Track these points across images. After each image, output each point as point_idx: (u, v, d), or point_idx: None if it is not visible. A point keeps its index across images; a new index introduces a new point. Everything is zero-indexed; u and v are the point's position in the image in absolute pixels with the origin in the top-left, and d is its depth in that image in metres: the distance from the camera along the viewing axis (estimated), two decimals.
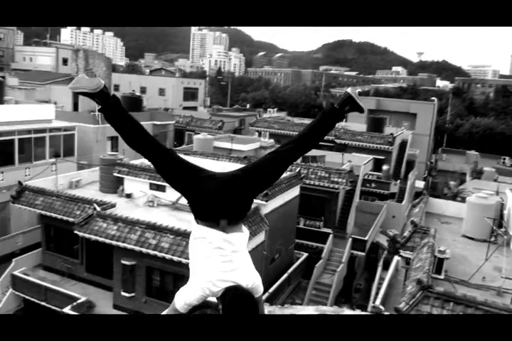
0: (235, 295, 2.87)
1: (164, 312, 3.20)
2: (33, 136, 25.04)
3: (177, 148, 31.42)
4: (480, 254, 17.44)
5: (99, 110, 3.06)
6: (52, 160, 24.00)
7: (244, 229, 3.19)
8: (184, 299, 2.99)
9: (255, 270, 3.15)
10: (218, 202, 3.03)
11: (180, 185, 3.17)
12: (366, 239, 24.52)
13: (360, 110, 3.22)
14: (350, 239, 24.15)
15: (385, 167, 33.98)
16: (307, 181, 24.16)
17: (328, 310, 4.06)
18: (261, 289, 3.13)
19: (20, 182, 20.33)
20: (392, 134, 35.00)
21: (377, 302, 18.28)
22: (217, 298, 3.06)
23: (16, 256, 21.08)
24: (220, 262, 2.97)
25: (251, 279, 3.02)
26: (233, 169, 3.36)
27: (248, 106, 67.61)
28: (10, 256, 21.39)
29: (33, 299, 19.22)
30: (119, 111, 3.12)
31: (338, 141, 35.31)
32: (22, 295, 19.61)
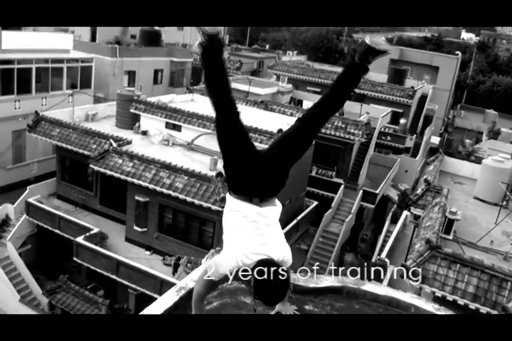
0: (266, 267, 2.94)
1: (196, 278, 3.29)
2: (50, 65, 24.66)
3: (194, 87, 31.00)
4: (490, 217, 17.51)
5: (200, 44, 2.91)
6: (69, 91, 23.80)
7: (277, 202, 3.23)
8: (217, 269, 3.12)
9: (286, 243, 3.22)
10: (255, 180, 3.07)
11: (228, 149, 3.12)
12: (377, 192, 24.63)
13: (385, 52, 3.05)
14: (361, 191, 24.25)
15: (402, 120, 33.55)
16: (323, 130, 23.97)
17: (350, 281, 4.10)
18: (290, 262, 3.23)
19: (36, 112, 20.28)
20: (412, 87, 34.26)
21: (383, 254, 18.65)
22: (249, 269, 3.13)
23: (31, 183, 21.42)
24: (253, 235, 3.05)
25: (282, 253, 3.14)
26: (268, 145, 3.31)
27: (267, 46, 65.96)
28: (24, 183, 21.75)
29: (46, 226, 19.70)
30: (220, 53, 2.99)
31: (357, 90, 34.67)
32: (36, 221, 20.10)
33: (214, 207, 16.23)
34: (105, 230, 19.16)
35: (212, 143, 20.05)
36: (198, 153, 19.96)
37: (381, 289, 3.95)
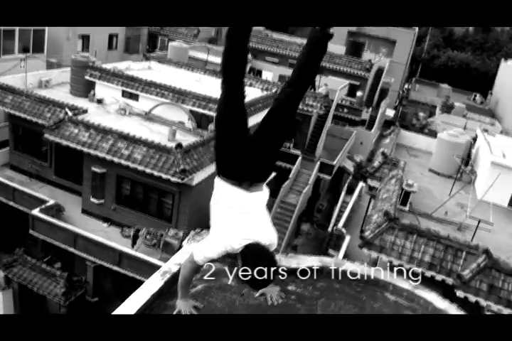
0: (254, 252, 2.99)
1: (183, 262, 3.25)
2: (1, 28, 23.37)
3: (151, 54, 30.18)
4: (444, 190, 18.12)
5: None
6: (22, 55, 22.66)
7: (265, 188, 3.22)
8: (204, 253, 3.13)
9: (272, 227, 3.23)
10: (245, 164, 3.06)
11: (225, 131, 3.06)
12: (334, 163, 24.97)
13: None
14: (319, 162, 24.53)
15: (359, 93, 33.83)
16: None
17: (330, 261, 4.15)
18: (275, 245, 3.24)
19: None
20: (370, 61, 34.46)
21: (340, 225, 19.07)
22: (237, 254, 3.13)
23: None
24: (241, 220, 3.05)
25: (269, 237, 3.17)
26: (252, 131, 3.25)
27: None
28: None
29: (0, 198, 19.06)
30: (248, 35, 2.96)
31: None
32: None
33: (174, 179, 16.05)
34: (61, 202, 18.69)
35: (170, 113, 19.70)
36: (156, 124, 19.57)
37: (360, 268, 4.01)
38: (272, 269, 2.90)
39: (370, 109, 33.35)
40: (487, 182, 16.98)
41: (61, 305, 17.57)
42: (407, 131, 25.97)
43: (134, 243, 17.45)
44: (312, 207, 26.47)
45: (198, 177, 16.99)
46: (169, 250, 17.33)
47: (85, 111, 18.38)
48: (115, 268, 16.82)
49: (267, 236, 3.13)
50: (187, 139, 18.07)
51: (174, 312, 3.16)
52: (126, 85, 20.08)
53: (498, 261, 12.70)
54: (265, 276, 2.89)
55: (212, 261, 3.20)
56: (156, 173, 16.24)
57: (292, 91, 3.07)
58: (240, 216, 3.05)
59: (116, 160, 16.57)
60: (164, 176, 16.11)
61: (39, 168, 19.91)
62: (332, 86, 27.54)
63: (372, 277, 3.94)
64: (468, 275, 12.36)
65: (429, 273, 12.84)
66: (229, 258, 3.40)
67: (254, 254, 2.95)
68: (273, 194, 23.51)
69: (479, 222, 14.14)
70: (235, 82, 2.98)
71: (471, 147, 20.83)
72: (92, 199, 18.41)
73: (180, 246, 17.52)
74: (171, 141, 17.69)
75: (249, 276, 2.89)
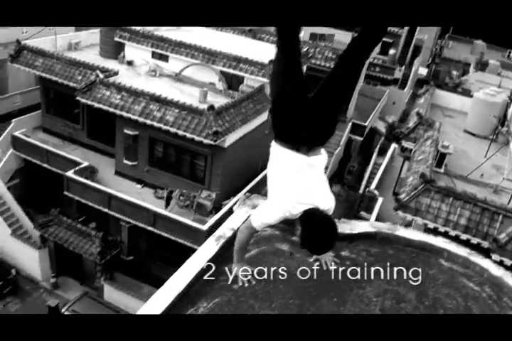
0: (314, 217, 2.93)
1: (241, 227, 3.21)
2: None
3: None
4: (480, 151, 17.69)
5: None
6: None
7: (323, 151, 3.11)
8: (262, 219, 3.08)
9: (330, 192, 3.14)
10: (304, 127, 2.92)
11: (282, 93, 2.94)
12: (366, 124, 24.56)
13: None
14: (350, 123, 24.16)
15: (391, 51, 32.79)
16: (313, 61, 23.40)
17: (384, 226, 4.06)
18: (333, 210, 3.16)
19: (18, 41, 19.26)
20: None
21: (372, 186, 18.93)
22: (295, 220, 3.07)
23: (14, 116, 20.77)
24: (300, 185, 2.97)
25: (327, 202, 3.09)
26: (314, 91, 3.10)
27: None
28: (8, 117, 21.11)
29: (34, 160, 19.39)
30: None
31: None
32: (23, 156, 19.74)
33: (206, 141, 16.04)
34: (94, 164, 18.93)
35: (201, 75, 19.48)
36: (186, 85, 19.42)
37: (414, 234, 3.93)
38: (332, 234, 2.86)
39: (403, 67, 32.41)
40: None
41: (97, 264, 18.06)
42: (442, 91, 25.21)
43: (167, 204, 17.69)
44: (343, 169, 26.27)
45: (230, 139, 16.95)
46: (202, 211, 17.54)
47: (116, 73, 18.30)
48: (150, 228, 17.12)
49: (326, 201, 3.07)
50: (218, 101, 17.91)
51: (230, 277, 3.15)
52: (156, 46, 19.85)
53: None
54: (325, 242, 2.84)
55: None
56: (188, 135, 16.24)
57: (357, 48, 2.90)
58: (298, 181, 2.96)
59: (148, 122, 16.59)
60: (197, 138, 16.10)
61: (72, 131, 20.10)
62: None
63: (427, 242, 3.85)
64: (505, 238, 12.18)
65: (464, 237, 12.71)
66: (282, 224, 3.33)
67: (313, 220, 2.89)
68: None
69: None
70: (291, 38, 2.84)
71: (508, 107, 20.15)
72: (125, 161, 18.59)
73: (213, 207, 17.69)
74: (202, 103, 17.57)
75: (309, 242, 2.85)
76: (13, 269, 18.88)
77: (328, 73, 3.04)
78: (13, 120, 20.05)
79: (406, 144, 18.64)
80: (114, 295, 17.72)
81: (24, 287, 19.13)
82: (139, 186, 18.81)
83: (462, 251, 3.82)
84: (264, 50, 20.84)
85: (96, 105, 17.20)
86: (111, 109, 16.98)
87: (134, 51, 20.43)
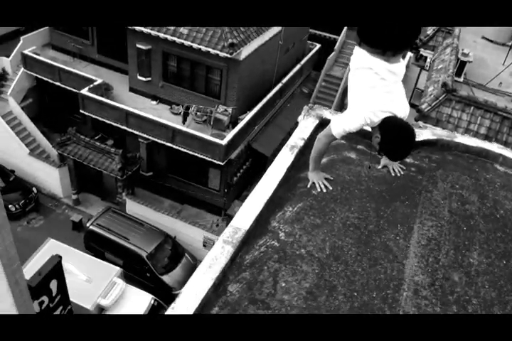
0: (395, 125, 3.02)
1: (319, 136, 3.30)
2: None
3: None
4: (498, 58, 17.29)
5: None
6: None
7: (402, 59, 3.11)
8: (343, 126, 3.14)
9: (407, 101, 3.20)
10: (391, 30, 2.79)
11: None
12: None
13: None
14: None
15: None
16: None
17: (444, 133, 4.15)
18: (407, 117, 3.22)
19: None
20: None
21: None
22: (373, 127, 3.15)
23: (22, 33, 20.16)
24: (382, 92, 3.02)
25: (405, 110, 3.18)
26: None
27: None
28: (15, 34, 20.53)
29: (46, 79, 19.17)
30: None
31: None
32: (35, 74, 19.47)
33: (222, 54, 15.74)
34: (107, 80, 18.73)
35: None
36: None
37: (472, 141, 4.05)
38: (411, 140, 2.97)
39: None
40: None
41: (117, 180, 18.45)
42: None
43: (184, 120, 17.73)
44: None
45: (246, 51, 16.61)
46: (219, 126, 17.63)
47: None
48: (169, 144, 17.32)
49: (404, 109, 3.15)
50: None
51: (308, 184, 3.32)
52: None
53: None
54: (406, 147, 2.97)
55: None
56: (203, 48, 15.93)
57: None
58: (380, 88, 3.02)
59: (161, 35, 16.18)
60: (212, 51, 15.80)
61: (82, 47, 19.65)
62: None
63: (484, 148, 3.99)
64: None
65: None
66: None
67: (394, 127, 2.99)
68: (317, 67, 22.98)
69: None
70: None
71: None
72: (139, 77, 18.38)
73: (230, 122, 17.73)
74: None
75: (391, 147, 2.97)
76: (34, 188, 19.26)
77: None
78: (22, 37, 19.52)
79: (424, 53, 18.22)
80: (136, 209, 18.31)
81: (46, 204, 19.61)
82: (154, 102, 18.76)
83: None
84: None
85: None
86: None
87: None
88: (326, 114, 3.98)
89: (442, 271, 2.80)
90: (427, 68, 16.85)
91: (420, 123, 13.40)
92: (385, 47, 2.91)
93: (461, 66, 15.86)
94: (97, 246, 16.75)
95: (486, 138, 12.98)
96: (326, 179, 3.34)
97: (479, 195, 3.56)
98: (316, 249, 2.84)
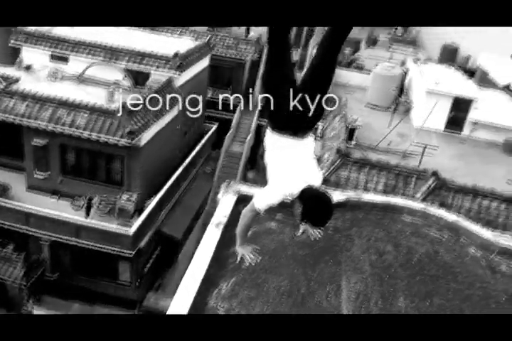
0: (313, 195, 3.28)
1: (244, 211, 3.48)
2: None
3: None
4: (383, 122, 18.96)
5: None
6: None
7: (311, 133, 3.49)
8: (266, 201, 3.41)
9: (319, 169, 3.52)
10: (298, 115, 3.20)
11: (276, 84, 3.21)
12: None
13: None
14: (258, 109, 24.71)
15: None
16: (215, 49, 23.56)
17: (350, 193, 4.48)
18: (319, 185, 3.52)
19: None
20: None
21: None
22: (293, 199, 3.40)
23: None
24: (298, 167, 3.36)
25: (318, 180, 3.50)
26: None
27: None
28: None
29: None
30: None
31: None
32: None
33: (122, 142, 15.76)
34: (3, 181, 17.83)
35: (106, 73, 18.94)
36: (91, 86, 18.85)
37: (377, 197, 4.39)
38: (330, 207, 3.21)
39: (300, 49, 33.43)
40: (423, 110, 17.88)
41: (22, 288, 17.06)
42: (339, 69, 26.39)
43: (87, 213, 17.15)
44: (255, 154, 26.80)
45: (146, 137, 16.78)
46: (125, 215, 17.13)
47: (17, 80, 17.35)
48: (74, 240, 16.56)
49: (317, 177, 3.46)
50: (126, 99, 17.60)
51: (238, 258, 3.41)
52: (55, 47, 19.02)
53: (446, 181, 13.72)
54: (326, 214, 3.19)
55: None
56: (102, 138, 15.88)
57: (333, 38, 3.19)
58: (294, 163, 3.32)
59: (59, 128, 15.98)
60: (112, 140, 15.79)
61: None
62: (262, 31, 27.27)
63: (389, 202, 4.33)
64: (421, 197, 13.30)
65: None
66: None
67: (313, 197, 3.23)
68: (216, 145, 23.65)
69: (425, 147, 15.04)
70: (283, 35, 3.10)
71: (404, 79, 21.65)
72: (37, 174, 17.70)
73: (136, 210, 17.38)
74: (111, 102, 17.19)
75: (313, 216, 3.18)
76: None
77: (311, 63, 3.33)
78: None
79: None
80: None
81: None
82: (54, 198, 17.95)
83: (418, 206, 4.35)
84: (164, 43, 20.69)
85: (1, 116, 16.24)
86: (17, 119, 16.09)
87: (32, 54, 19.40)
88: (244, 188, 4.18)
89: None
90: (319, 137, 17.90)
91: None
92: (295, 131, 3.28)
93: (351, 132, 17.09)
94: None
95: (385, 193, 13.87)
96: (254, 250, 3.47)
97: (393, 244, 3.84)
98: None
